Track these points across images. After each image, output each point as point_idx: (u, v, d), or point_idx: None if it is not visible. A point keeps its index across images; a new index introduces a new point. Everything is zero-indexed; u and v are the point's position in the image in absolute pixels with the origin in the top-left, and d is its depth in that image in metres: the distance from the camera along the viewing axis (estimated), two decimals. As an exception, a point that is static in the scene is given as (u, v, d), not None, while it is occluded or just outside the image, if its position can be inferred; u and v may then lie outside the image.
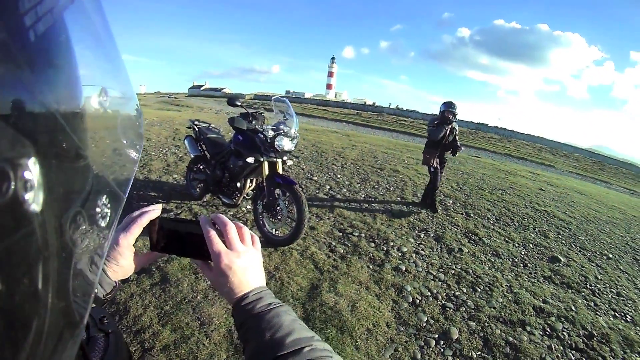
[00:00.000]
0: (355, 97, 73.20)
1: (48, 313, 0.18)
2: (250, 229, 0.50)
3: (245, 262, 0.46)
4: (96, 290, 0.47)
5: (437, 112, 4.57)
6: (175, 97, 37.63)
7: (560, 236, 4.47)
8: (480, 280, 2.91)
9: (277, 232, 2.98)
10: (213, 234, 0.46)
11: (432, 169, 4.58)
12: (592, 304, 2.88)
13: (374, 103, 52.36)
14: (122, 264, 0.49)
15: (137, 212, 0.50)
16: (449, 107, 4.42)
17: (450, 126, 4.41)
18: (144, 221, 0.49)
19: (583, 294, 3.03)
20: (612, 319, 2.71)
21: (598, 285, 3.23)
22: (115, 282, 0.50)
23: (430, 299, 2.52)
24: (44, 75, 0.19)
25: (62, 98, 0.21)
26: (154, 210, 0.50)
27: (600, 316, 2.70)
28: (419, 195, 5.14)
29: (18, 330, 0.16)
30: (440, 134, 4.38)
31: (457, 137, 4.52)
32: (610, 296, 3.08)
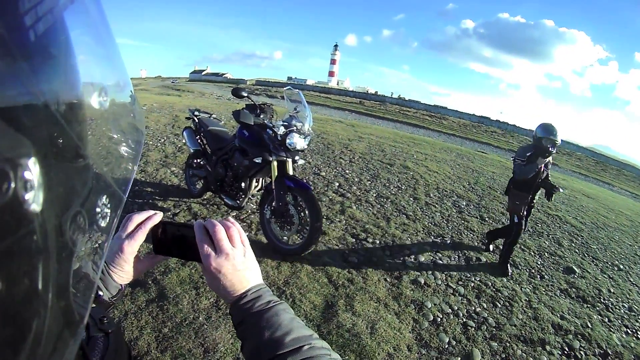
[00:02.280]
0: (357, 85, 72.01)
1: (48, 313, 0.18)
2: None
3: (235, 264, 0.45)
4: (101, 293, 0.48)
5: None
6: (178, 82, 36.75)
7: (573, 244, 4.39)
8: (500, 294, 2.81)
9: (285, 239, 2.69)
10: (201, 238, 0.46)
11: (516, 219, 3.23)
12: (606, 319, 2.89)
13: (376, 92, 51.46)
14: (127, 269, 0.49)
15: (138, 216, 0.50)
16: (549, 133, 3.03)
17: (547, 160, 3.09)
18: (147, 228, 0.49)
19: (597, 308, 3.02)
20: (624, 335, 2.72)
21: (611, 299, 3.22)
22: (121, 285, 0.50)
23: (452, 317, 2.40)
24: (44, 75, 0.19)
25: (62, 98, 0.20)
26: (156, 215, 0.50)
27: (614, 333, 2.72)
28: (431, 195, 4.96)
29: (18, 330, 0.15)
30: (533, 172, 3.03)
31: (549, 174, 3.23)
32: (622, 311, 3.09)
